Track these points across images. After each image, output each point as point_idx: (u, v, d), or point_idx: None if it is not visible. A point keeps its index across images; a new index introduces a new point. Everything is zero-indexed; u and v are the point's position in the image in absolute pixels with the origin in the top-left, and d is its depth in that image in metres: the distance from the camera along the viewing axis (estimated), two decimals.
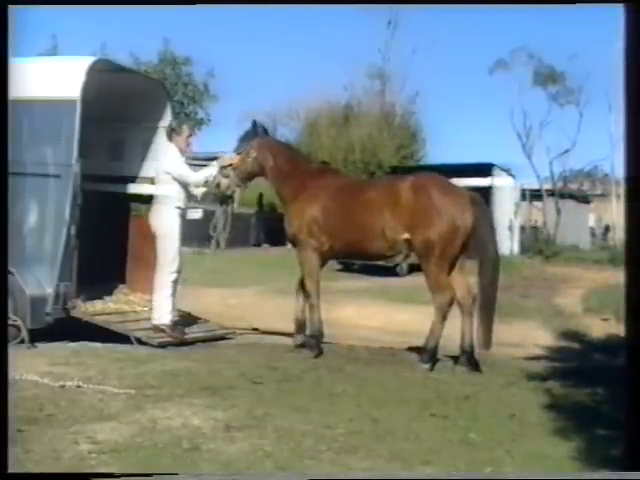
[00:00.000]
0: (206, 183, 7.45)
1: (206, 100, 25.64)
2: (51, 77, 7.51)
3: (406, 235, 6.75)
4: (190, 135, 7.79)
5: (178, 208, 7.50)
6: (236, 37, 66.73)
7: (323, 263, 7.34)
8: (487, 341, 6.66)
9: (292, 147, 7.91)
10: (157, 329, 7.43)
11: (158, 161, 7.71)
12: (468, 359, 6.69)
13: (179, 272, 7.54)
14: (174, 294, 7.53)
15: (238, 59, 58.56)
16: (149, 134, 8.55)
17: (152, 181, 7.89)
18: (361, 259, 7.28)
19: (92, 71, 7.38)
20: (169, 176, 7.41)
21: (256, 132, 7.47)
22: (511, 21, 60.38)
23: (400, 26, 33.96)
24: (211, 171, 7.36)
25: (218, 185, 7.34)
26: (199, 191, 7.62)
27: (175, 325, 7.58)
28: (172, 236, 7.46)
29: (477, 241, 6.70)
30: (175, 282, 7.52)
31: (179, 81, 24.76)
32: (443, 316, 6.66)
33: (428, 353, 6.69)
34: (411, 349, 7.58)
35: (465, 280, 6.85)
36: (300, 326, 7.32)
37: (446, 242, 6.59)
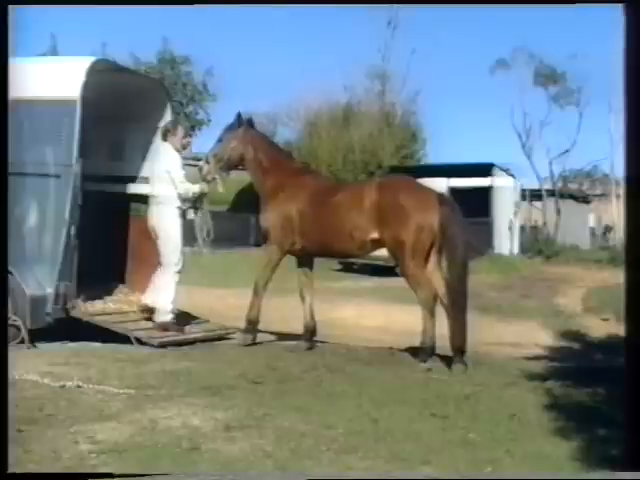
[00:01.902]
0: (193, 196, 7.52)
1: (205, 100, 25.63)
2: (51, 77, 7.51)
3: (374, 235, 6.88)
4: (185, 136, 7.81)
5: (178, 208, 7.50)
6: (236, 37, 66.78)
7: (303, 262, 7.49)
8: (461, 339, 6.66)
9: (274, 143, 8.01)
10: (160, 327, 7.45)
11: (156, 161, 7.70)
12: (425, 354, 6.71)
13: (181, 272, 7.56)
14: (176, 294, 7.55)
15: (238, 59, 58.63)
16: (149, 134, 8.55)
17: (148, 181, 7.88)
18: (332, 257, 7.49)
19: (92, 71, 7.37)
20: (168, 175, 7.42)
21: (240, 123, 7.56)
22: (511, 21, 60.45)
23: (400, 26, 34.06)
24: (202, 188, 7.48)
25: (200, 170, 7.47)
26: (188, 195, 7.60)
27: (177, 324, 7.61)
28: (175, 237, 7.48)
29: (447, 240, 6.75)
30: (177, 282, 7.54)
31: (178, 81, 24.76)
32: (430, 311, 6.74)
33: (426, 352, 6.73)
34: (411, 349, 7.58)
35: (445, 278, 6.86)
36: (309, 331, 7.42)
37: (415, 240, 6.69)
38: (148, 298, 7.66)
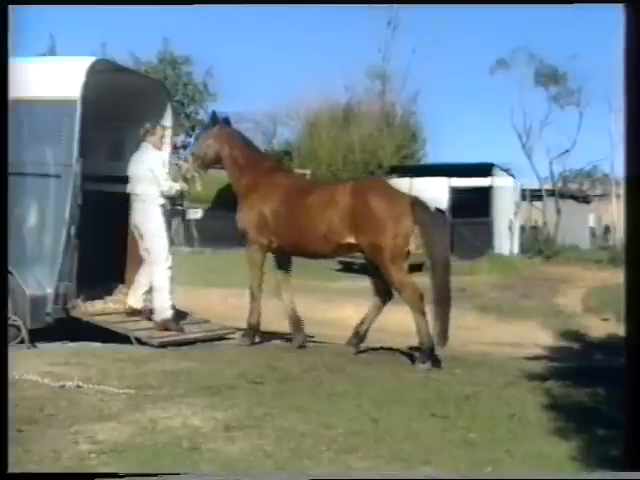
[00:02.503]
0: (176, 193, 7.63)
1: (206, 100, 25.62)
2: (51, 77, 7.50)
3: (350, 240, 6.95)
4: (163, 136, 7.82)
5: (161, 206, 7.56)
6: (236, 37, 66.63)
7: (281, 261, 7.59)
8: (444, 337, 6.73)
9: (249, 141, 8.11)
10: (160, 325, 7.47)
11: (138, 161, 7.66)
12: (428, 354, 6.73)
13: (172, 268, 7.58)
14: (171, 291, 7.58)
15: (238, 59, 58.44)
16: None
17: (127, 180, 7.85)
18: (307, 257, 7.63)
19: (92, 71, 7.37)
20: (151, 174, 7.48)
21: (216, 121, 7.65)
22: (511, 21, 60.21)
23: (400, 26, 34.01)
24: (183, 187, 7.57)
25: (180, 168, 7.58)
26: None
27: (176, 321, 7.64)
28: (160, 234, 7.52)
29: (425, 241, 6.86)
30: (171, 278, 7.56)
31: (179, 81, 24.77)
32: (420, 311, 6.78)
33: (425, 351, 6.74)
34: (411, 349, 7.58)
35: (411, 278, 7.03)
36: (296, 325, 7.44)
37: (393, 245, 6.77)
38: (131, 299, 7.71)
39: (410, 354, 7.12)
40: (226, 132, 7.69)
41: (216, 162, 7.67)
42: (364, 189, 7.13)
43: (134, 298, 7.72)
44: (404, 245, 6.82)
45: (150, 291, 7.66)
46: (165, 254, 7.53)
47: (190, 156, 7.58)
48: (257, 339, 7.50)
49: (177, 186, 7.57)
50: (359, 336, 7.19)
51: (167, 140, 7.94)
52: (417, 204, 6.95)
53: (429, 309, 6.80)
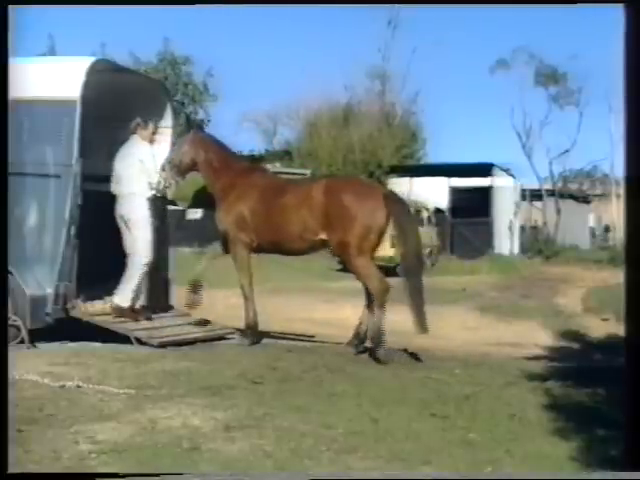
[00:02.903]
0: (158, 184, 7.66)
1: (206, 100, 25.62)
2: (51, 77, 7.50)
3: (323, 236, 7.07)
4: (155, 132, 7.82)
5: (148, 199, 7.58)
6: (236, 37, 66.70)
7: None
8: (422, 325, 6.92)
9: (223, 144, 8.17)
10: (115, 311, 7.51)
11: (127, 153, 7.66)
12: (377, 344, 6.89)
13: (150, 264, 7.59)
14: (142, 283, 7.62)
15: (238, 59, 58.53)
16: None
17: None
18: (286, 255, 7.74)
19: (92, 71, 7.37)
20: (142, 165, 7.51)
21: (190, 127, 7.64)
22: (511, 21, 60.37)
23: (400, 26, 34.08)
24: (170, 174, 7.57)
25: (158, 182, 7.63)
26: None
27: (135, 310, 7.66)
28: (143, 225, 7.54)
29: (398, 235, 7.05)
30: (145, 272, 7.59)
31: (179, 81, 24.73)
32: (381, 303, 6.94)
33: (378, 343, 6.87)
34: (411, 349, 7.57)
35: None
36: (358, 336, 7.41)
37: (360, 240, 6.90)
38: (116, 297, 7.66)
39: (414, 354, 7.12)
40: (200, 137, 7.84)
41: (192, 168, 7.72)
42: (337, 186, 7.30)
43: (121, 297, 7.65)
44: (374, 239, 6.96)
45: (138, 288, 7.67)
46: (145, 248, 7.53)
47: (167, 164, 7.60)
48: (257, 338, 7.49)
49: (166, 177, 7.60)
50: (359, 337, 7.22)
51: (159, 137, 7.89)
52: (390, 198, 7.13)
53: (405, 301, 7.00)
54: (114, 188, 7.69)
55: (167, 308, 8.24)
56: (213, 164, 7.61)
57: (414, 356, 7.01)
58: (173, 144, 7.78)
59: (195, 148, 7.62)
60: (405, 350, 7.10)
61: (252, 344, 7.36)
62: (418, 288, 7.01)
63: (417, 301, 6.95)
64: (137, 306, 7.75)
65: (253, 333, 7.46)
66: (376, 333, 6.89)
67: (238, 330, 7.72)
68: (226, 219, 7.46)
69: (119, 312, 7.54)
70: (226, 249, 7.61)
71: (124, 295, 7.58)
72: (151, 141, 7.78)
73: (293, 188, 7.54)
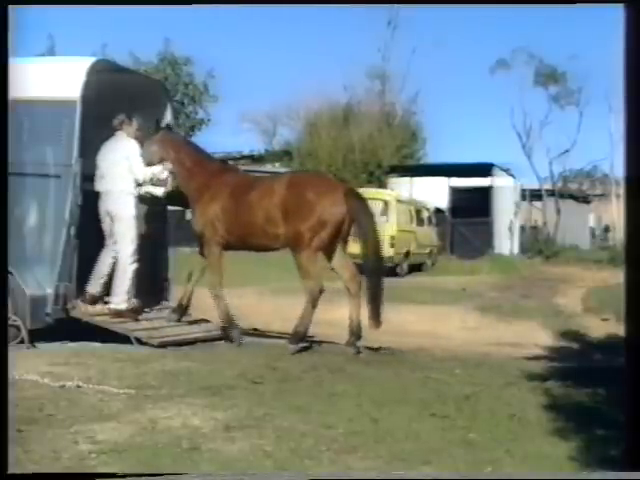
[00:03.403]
0: (151, 180, 7.70)
1: (206, 100, 25.61)
2: (51, 77, 7.50)
3: (282, 229, 7.18)
4: (140, 129, 7.78)
5: (133, 195, 7.60)
6: (236, 37, 66.71)
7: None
8: (376, 320, 7.10)
9: (195, 144, 8.27)
10: (113, 313, 7.49)
11: (113, 150, 7.64)
12: (356, 341, 7.12)
13: (139, 260, 7.59)
14: (132, 279, 7.59)
15: (238, 59, 58.55)
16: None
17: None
18: (254, 251, 7.85)
19: (92, 71, 7.38)
20: (128, 162, 7.51)
21: (159, 128, 7.78)
22: (511, 21, 60.34)
23: (400, 26, 34.07)
24: (157, 169, 7.63)
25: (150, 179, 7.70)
26: (144, 188, 7.78)
27: (133, 310, 7.66)
28: (128, 220, 7.53)
29: (358, 230, 7.20)
30: (135, 268, 7.58)
31: (179, 81, 24.71)
32: (313, 302, 7.10)
33: (297, 336, 7.09)
34: (411, 349, 7.59)
35: (350, 265, 7.33)
36: (353, 333, 7.40)
37: (313, 235, 7.02)
38: (113, 301, 7.63)
39: (412, 352, 7.13)
40: (169, 137, 7.84)
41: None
42: (299, 180, 7.51)
43: (117, 299, 7.63)
44: (328, 235, 7.07)
45: (131, 286, 7.67)
46: (132, 245, 7.53)
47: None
48: (238, 332, 7.54)
49: (156, 171, 7.63)
50: (355, 333, 7.21)
51: (140, 135, 7.85)
52: (351, 195, 7.26)
53: (363, 295, 7.15)
54: (99, 185, 7.66)
55: (167, 308, 8.23)
56: (186, 164, 7.66)
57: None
58: (142, 144, 7.77)
59: (164, 148, 7.67)
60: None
61: (238, 339, 7.43)
62: (377, 286, 7.17)
63: (374, 299, 7.12)
64: (133, 305, 7.73)
65: (234, 330, 7.52)
66: (300, 330, 7.08)
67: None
68: (201, 220, 7.54)
69: (118, 314, 7.52)
70: (202, 250, 7.66)
71: (120, 297, 7.56)
72: (136, 137, 7.74)
73: (259, 184, 7.67)
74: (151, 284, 8.22)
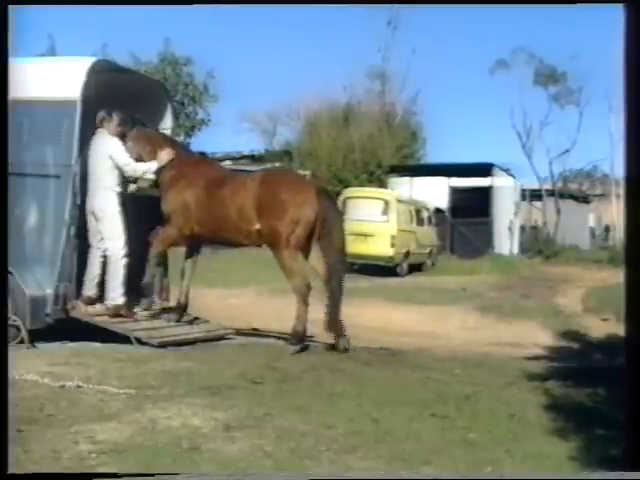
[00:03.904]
0: (143, 174, 7.75)
1: (206, 100, 25.60)
2: (51, 77, 7.50)
3: (258, 226, 7.24)
4: (120, 124, 7.74)
5: (119, 193, 7.59)
6: (236, 37, 66.67)
7: (195, 248, 7.88)
8: (331, 325, 7.16)
9: (171, 137, 8.34)
10: (111, 311, 7.48)
11: (94, 147, 7.60)
12: (296, 339, 7.11)
13: (128, 255, 7.57)
14: (126, 273, 7.57)
15: (238, 59, 58.51)
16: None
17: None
18: (226, 245, 7.90)
19: (92, 72, 7.38)
20: (111, 161, 7.49)
21: (134, 124, 7.82)
22: (511, 21, 60.35)
23: (400, 26, 34.03)
24: (150, 166, 7.64)
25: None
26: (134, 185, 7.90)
27: (129, 308, 7.66)
28: (113, 216, 7.52)
29: (325, 230, 7.22)
30: (126, 262, 7.57)
31: (179, 81, 24.69)
32: (303, 299, 7.12)
33: (296, 336, 7.11)
34: (411, 349, 7.59)
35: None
36: (181, 312, 7.82)
37: (289, 232, 7.09)
38: (109, 298, 7.62)
39: (412, 352, 7.12)
40: (143, 132, 7.88)
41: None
42: (272, 178, 7.59)
43: (113, 295, 7.61)
44: (303, 233, 7.14)
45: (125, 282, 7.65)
46: (120, 243, 7.52)
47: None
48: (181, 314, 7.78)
49: (143, 167, 7.64)
50: (335, 330, 7.25)
51: (121, 130, 7.80)
52: (322, 194, 7.35)
53: (324, 297, 7.19)
54: (83, 184, 7.61)
55: (166, 308, 8.22)
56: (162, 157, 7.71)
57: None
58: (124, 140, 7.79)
59: (139, 144, 7.71)
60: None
61: (177, 320, 7.71)
62: (337, 288, 7.20)
63: (332, 300, 7.15)
64: (129, 301, 7.71)
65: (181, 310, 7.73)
66: (299, 330, 7.09)
67: (239, 330, 7.75)
68: (172, 203, 7.57)
69: (117, 311, 7.52)
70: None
71: (115, 292, 7.55)
72: (117, 134, 7.71)
73: (233, 180, 7.70)
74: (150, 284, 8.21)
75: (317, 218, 7.16)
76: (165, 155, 7.63)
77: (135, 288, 7.82)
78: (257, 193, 7.21)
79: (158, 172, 7.70)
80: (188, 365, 6.17)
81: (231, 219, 7.33)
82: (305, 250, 7.32)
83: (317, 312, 7.34)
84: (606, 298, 12.76)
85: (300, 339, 7.12)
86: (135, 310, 7.81)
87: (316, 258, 7.40)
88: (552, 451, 4.18)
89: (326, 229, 7.21)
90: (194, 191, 7.50)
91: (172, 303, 8.14)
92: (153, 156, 7.66)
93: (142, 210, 7.87)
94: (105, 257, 7.54)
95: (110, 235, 7.50)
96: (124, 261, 7.54)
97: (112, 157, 7.51)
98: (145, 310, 7.81)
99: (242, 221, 7.28)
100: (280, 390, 5.41)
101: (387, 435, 4.38)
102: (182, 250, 7.86)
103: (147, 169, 7.67)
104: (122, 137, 7.73)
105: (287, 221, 7.07)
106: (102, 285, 7.59)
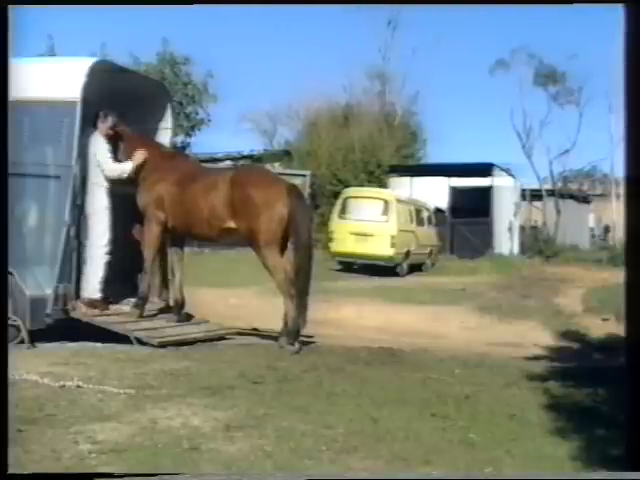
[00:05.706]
0: (120, 174, 7.74)
1: (205, 100, 25.60)
2: (51, 78, 7.50)
3: (230, 225, 7.36)
4: (113, 126, 7.77)
5: (107, 190, 7.63)
6: (236, 37, 66.66)
7: (176, 241, 7.94)
8: (294, 320, 7.21)
9: (144, 135, 8.37)
10: (87, 303, 7.48)
11: (89, 146, 7.63)
12: (294, 337, 7.18)
13: (111, 252, 7.60)
14: (104, 270, 7.59)
15: (238, 59, 58.49)
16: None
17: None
18: (197, 240, 7.96)
19: (92, 72, 7.38)
20: (95, 158, 7.56)
21: (116, 124, 7.81)
22: (511, 21, 60.24)
23: (400, 26, 34.09)
24: (124, 166, 7.69)
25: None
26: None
27: (104, 302, 7.68)
28: (104, 216, 7.58)
29: (293, 228, 7.31)
30: (106, 259, 7.59)
31: (178, 81, 24.69)
32: (288, 294, 7.25)
33: (291, 335, 7.20)
34: (411, 349, 7.58)
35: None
36: (180, 306, 7.87)
37: (266, 230, 7.21)
38: (86, 291, 7.62)
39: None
40: (121, 132, 7.89)
41: (114, 159, 7.80)
42: (243, 177, 7.62)
43: (90, 289, 7.62)
44: (278, 229, 7.24)
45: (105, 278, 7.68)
46: (105, 239, 7.57)
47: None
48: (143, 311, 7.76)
49: (119, 167, 7.68)
50: (287, 330, 7.32)
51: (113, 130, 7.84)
52: (292, 191, 7.39)
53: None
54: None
55: (166, 308, 8.23)
56: (134, 152, 7.75)
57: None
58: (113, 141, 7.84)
59: (116, 144, 7.77)
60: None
61: (178, 319, 7.80)
62: (303, 285, 7.27)
63: (299, 297, 7.21)
64: (105, 296, 7.72)
65: (144, 304, 7.74)
66: (292, 326, 7.15)
67: (239, 330, 7.76)
68: (145, 197, 7.67)
69: (91, 305, 7.52)
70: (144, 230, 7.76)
71: (93, 286, 7.56)
72: (107, 135, 7.74)
73: (205, 177, 7.76)
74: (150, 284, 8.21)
75: (289, 214, 7.25)
76: (139, 155, 7.70)
77: (122, 284, 7.87)
78: (228, 191, 7.30)
79: (135, 171, 7.75)
80: (188, 365, 6.17)
81: (202, 215, 7.44)
82: (282, 247, 7.39)
83: (317, 312, 7.36)
84: (606, 298, 12.74)
85: (296, 337, 7.16)
86: (119, 305, 7.87)
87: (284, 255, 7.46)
88: (552, 451, 4.18)
89: (294, 226, 7.29)
90: (167, 183, 7.61)
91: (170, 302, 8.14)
92: (129, 156, 7.74)
93: (133, 208, 7.89)
94: (89, 253, 7.56)
95: (93, 231, 7.56)
96: (106, 258, 7.58)
97: (95, 155, 7.60)
98: (135, 308, 7.78)
99: (214, 219, 7.41)
100: (280, 390, 5.41)
101: (387, 435, 4.38)
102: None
103: (122, 170, 7.71)
104: (114, 138, 7.77)
105: (262, 219, 7.18)
106: (105, 284, 7.63)
